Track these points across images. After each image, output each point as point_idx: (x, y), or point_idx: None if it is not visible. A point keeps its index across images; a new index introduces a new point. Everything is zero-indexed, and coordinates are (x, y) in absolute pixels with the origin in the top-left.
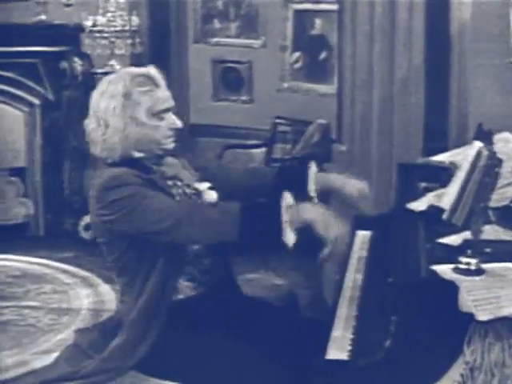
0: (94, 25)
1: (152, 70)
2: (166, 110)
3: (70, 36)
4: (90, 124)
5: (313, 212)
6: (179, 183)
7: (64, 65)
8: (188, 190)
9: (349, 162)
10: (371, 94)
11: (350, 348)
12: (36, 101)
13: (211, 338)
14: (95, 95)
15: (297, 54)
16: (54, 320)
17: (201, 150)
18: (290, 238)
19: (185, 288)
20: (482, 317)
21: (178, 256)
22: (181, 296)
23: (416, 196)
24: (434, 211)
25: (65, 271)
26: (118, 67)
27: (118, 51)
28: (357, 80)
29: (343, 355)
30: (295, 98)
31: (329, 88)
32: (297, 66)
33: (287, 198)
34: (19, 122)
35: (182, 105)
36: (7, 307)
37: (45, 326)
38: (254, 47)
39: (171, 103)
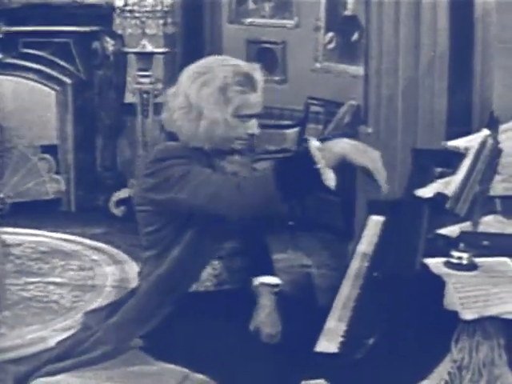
0: (125, 4)
1: (257, 73)
2: (252, 116)
3: (102, 16)
4: (176, 101)
5: (344, 144)
6: None
7: (96, 44)
8: None
9: (374, 145)
10: (397, 78)
11: (341, 340)
12: (68, 80)
13: (220, 329)
14: (188, 72)
15: (330, 35)
16: (77, 297)
17: None
18: (330, 178)
19: (206, 281)
20: (467, 316)
21: (209, 244)
22: (201, 288)
23: (431, 182)
24: (441, 199)
25: (93, 248)
26: (149, 47)
27: (149, 31)
28: (383, 63)
29: (333, 348)
30: (328, 79)
31: (360, 69)
32: (330, 46)
33: (313, 141)
34: (51, 101)
35: None
36: (32, 283)
37: (68, 302)
38: (288, 27)
39: (259, 110)
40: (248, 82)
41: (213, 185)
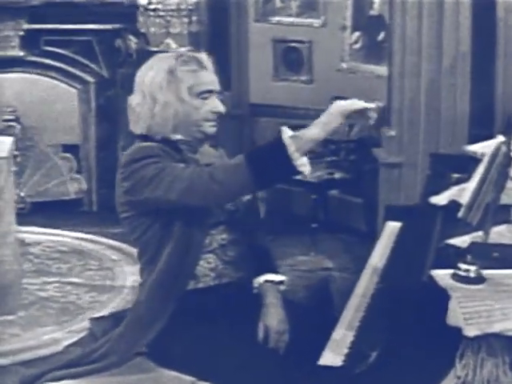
0: (149, 3)
1: (202, 55)
2: (209, 92)
3: (125, 14)
4: (134, 99)
5: (314, 130)
6: None
7: (119, 43)
8: None
9: (398, 148)
10: (419, 79)
11: (347, 352)
12: (90, 78)
13: (223, 332)
14: (141, 71)
15: (356, 34)
16: (94, 298)
17: (260, 129)
18: (303, 164)
19: (204, 277)
20: (470, 332)
21: (199, 240)
22: (200, 285)
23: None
24: (455, 207)
25: (113, 248)
26: (174, 45)
27: (173, 30)
28: (406, 64)
29: (338, 360)
30: (354, 79)
31: (385, 70)
32: (356, 46)
33: (286, 131)
34: (73, 99)
35: (242, 84)
36: (50, 283)
37: (85, 303)
38: (315, 26)
39: (216, 86)
40: (194, 61)
41: (186, 178)
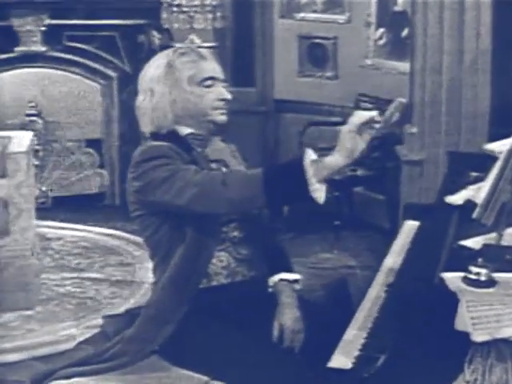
0: None
1: (201, 49)
2: (211, 79)
3: (148, 9)
4: (139, 99)
5: (338, 157)
6: (224, 169)
7: (142, 38)
8: None
9: (419, 146)
10: (440, 76)
11: (357, 354)
12: (113, 73)
13: (236, 331)
14: (143, 70)
15: (381, 31)
16: (114, 293)
17: (285, 126)
18: (317, 191)
19: (217, 275)
20: (478, 337)
21: (211, 240)
22: (213, 283)
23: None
24: (471, 206)
25: (135, 243)
26: (198, 41)
27: (197, 25)
28: (427, 61)
29: (347, 363)
30: (378, 76)
31: (408, 66)
32: (380, 42)
33: (309, 154)
34: (96, 95)
35: (267, 81)
36: (69, 278)
37: (104, 298)
38: (340, 23)
39: (218, 74)
40: (194, 53)
41: (197, 184)
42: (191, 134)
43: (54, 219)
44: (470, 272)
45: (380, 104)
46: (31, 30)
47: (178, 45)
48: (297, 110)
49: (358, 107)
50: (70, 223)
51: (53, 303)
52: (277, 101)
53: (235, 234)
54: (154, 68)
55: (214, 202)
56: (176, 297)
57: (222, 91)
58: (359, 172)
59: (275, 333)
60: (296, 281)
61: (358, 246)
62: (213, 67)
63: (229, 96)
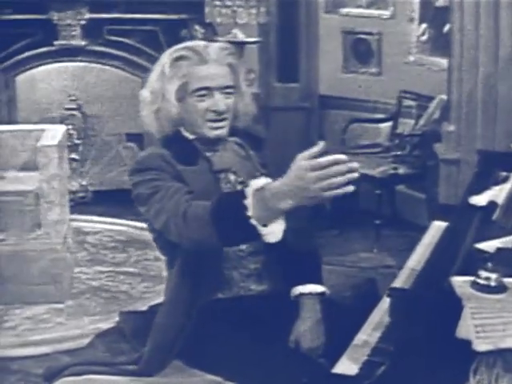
0: None
1: (207, 47)
2: (205, 89)
3: (191, 4)
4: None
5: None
6: (232, 178)
7: (185, 33)
8: (240, 187)
9: (456, 144)
10: (477, 74)
11: (364, 360)
12: None
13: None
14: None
15: (423, 26)
16: (147, 288)
17: (329, 122)
18: (270, 236)
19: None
20: (481, 347)
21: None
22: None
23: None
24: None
25: None
26: (241, 36)
27: (240, 20)
28: (464, 58)
29: (353, 369)
30: (421, 72)
31: None
32: (423, 38)
33: (253, 183)
34: (137, 89)
35: (311, 76)
36: (103, 272)
37: (137, 293)
38: (383, 18)
39: (216, 81)
40: (193, 55)
41: (168, 211)
42: (195, 138)
43: (93, 214)
44: (480, 276)
45: (423, 101)
46: (71, 23)
47: (187, 43)
48: (341, 106)
49: (400, 104)
50: (108, 217)
51: (83, 297)
52: (321, 96)
53: (242, 248)
54: (154, 72)
55: (177, 236)
56: (179, 310)
57: (216, 101)
58: (401, 170)
59: (291, 345)
60: (322, 294)
61: (398, 245)
62: (212, 73)
63: (222, 107)
